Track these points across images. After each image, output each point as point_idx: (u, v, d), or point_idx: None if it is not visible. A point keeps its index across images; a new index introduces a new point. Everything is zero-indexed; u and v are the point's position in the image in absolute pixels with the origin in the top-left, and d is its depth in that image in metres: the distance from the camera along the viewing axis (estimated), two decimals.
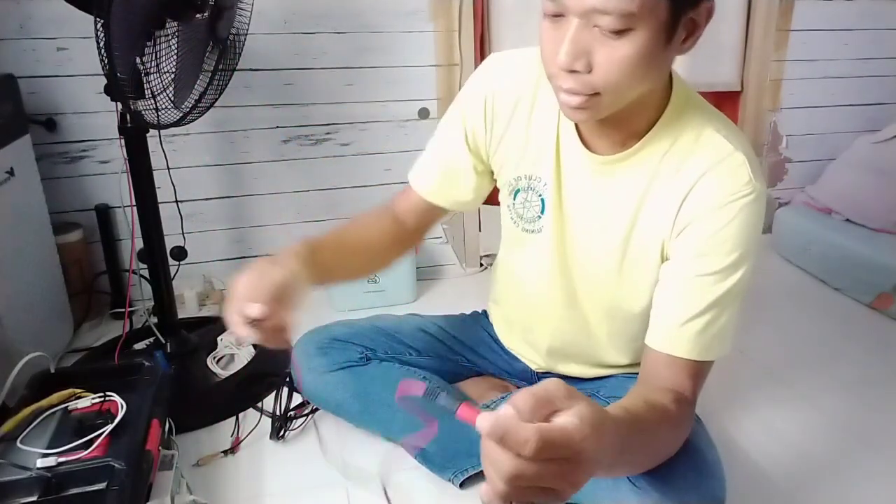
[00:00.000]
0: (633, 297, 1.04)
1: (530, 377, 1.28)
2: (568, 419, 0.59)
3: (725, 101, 2.33)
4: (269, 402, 1.43)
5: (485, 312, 1.38)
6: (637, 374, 1.18)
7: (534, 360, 1.26)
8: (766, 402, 1.49)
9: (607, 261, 1.03)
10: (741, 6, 2.19)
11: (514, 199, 1.10)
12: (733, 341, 0.96)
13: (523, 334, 1.26)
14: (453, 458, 1.20)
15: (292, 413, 1.38)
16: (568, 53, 0.78)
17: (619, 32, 0.76)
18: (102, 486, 0.94)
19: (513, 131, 1.05)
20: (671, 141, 0.93)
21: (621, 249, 1.01)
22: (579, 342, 1.17)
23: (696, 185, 0.91)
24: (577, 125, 0.98)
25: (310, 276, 0.92)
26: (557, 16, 0.79)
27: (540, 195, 1.06)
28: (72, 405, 1.11)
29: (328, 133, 1.99)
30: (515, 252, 1.17)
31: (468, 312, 1.42)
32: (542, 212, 1.07)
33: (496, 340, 1.33)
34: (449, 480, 1.21)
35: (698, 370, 0.93)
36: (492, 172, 1.13)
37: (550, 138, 1.02)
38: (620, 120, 0.91)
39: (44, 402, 1.10)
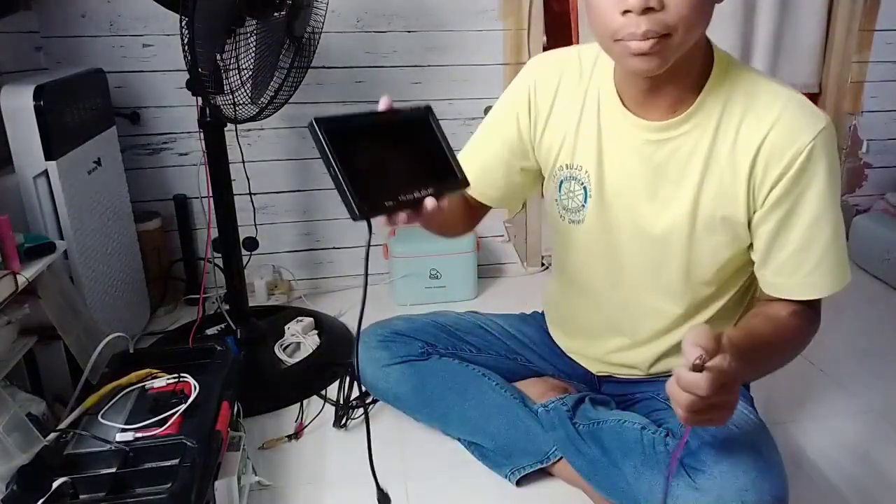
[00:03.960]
0: (709, 262, 1.03)
1: (590, 379, 1.27)
2: (719, 360, 0.74)
3: None
4: (332, 391, 1.47)
5: (543, 313, 1.38)
6: None
7: (592, 361, 1.26)
8: (837, 415, 1.44)
9: (671, 233, 1.01)
10: (822, 4, 2.11)
11: (560, 190, 1.10)
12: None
13: (579, 334, 1.25)
14: (510, 455, 1.21)
15: (354, 402, 1.42)
16: None
17: None
18: (175, 462, 0.98)
19: (554, 121, 1.07)
20: (725, 99, 0.95)
21: (690, 216, 0.99)
22: (637, 333, 1.15)
23: (769, 136, 0.92)
24: (622, 99, 1.00)
25: None
26: None
27: (582, 184, 1.06)
28: (148, 384, 1.16)
29: None
30: (565, 248, 1.17)
31: (528, 312, 1.42)
32: (585, 201, 1.07)
33: (555, 342, 1.33)
34: (506, 477, 1.21)
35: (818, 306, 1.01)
36: (535, 172, 1.15)
37: (592, 121, 1.03)
38: (672, 79, 0.93)
39: (123, 381, 1.15)
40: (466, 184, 0.88)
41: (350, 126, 0.81)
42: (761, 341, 0.91)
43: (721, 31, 2.08)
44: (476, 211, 1.20)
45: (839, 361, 1.64)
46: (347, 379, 1.43)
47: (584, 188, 1.06)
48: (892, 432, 1.38)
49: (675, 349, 1.14)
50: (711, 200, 0.98)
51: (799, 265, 0.96)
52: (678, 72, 0.91)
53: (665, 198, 1.00)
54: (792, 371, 1.60)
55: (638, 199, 1.02)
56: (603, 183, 1.04)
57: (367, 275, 0.82)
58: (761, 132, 0.92)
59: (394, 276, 1.99)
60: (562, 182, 1.09)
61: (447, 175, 0.87)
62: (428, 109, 0.89)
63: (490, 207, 1.20)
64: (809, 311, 0.99)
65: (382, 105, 0.86)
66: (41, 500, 0.90)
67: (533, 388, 1.30)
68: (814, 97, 2.26)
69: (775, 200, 0.94)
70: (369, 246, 0.79)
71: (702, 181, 0.97)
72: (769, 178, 0.93)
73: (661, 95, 0.96)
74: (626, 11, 0.82)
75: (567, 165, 1.08)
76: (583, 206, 1.08)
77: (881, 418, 1.43)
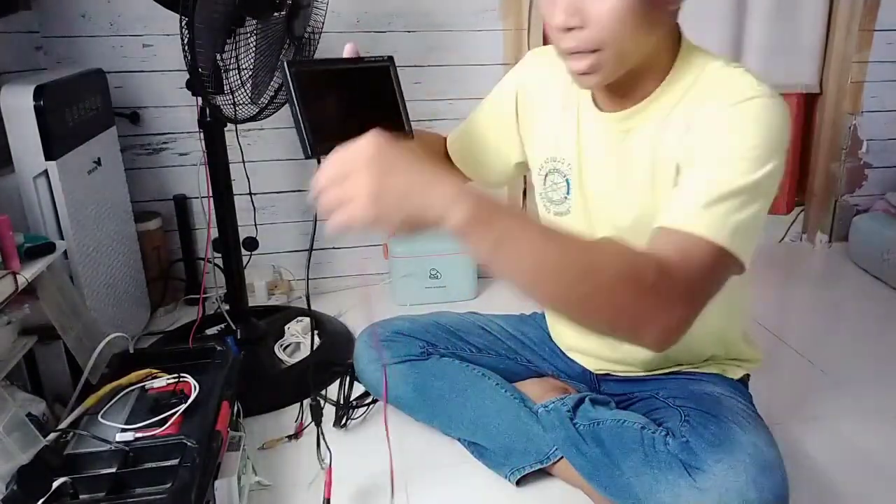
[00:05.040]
0: None
1: (589, 379, 1.27)
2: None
3: (803, 104, 2.25)
4: (332, 391, 1.47)
5: (543, 313, 1.38)
6: (699, 371, 1.16)
7: (589, 359, 1.26)
8: (837, 415, 1.44)
9: (638, 221, 1.01)
10: (822, 5, 2.11)
11: (545, 183, 1.14)
12: (750, 251, 0.84)
13: (575, 330, 1.26)
14: (510, 455, 1.21)
15: (354, 402, 1.42)
16: (561, 11, 0.84)
17: None
18: (175, 462, 0.98)
19: (542, 117, 1.11)
20: (682, 91, 0.94)
21: (651, 205, 0.99)
22: None
23: (703, 106, 0.89)
24: (593, 97, 1.02)
25: None
26: None
27: (565, 176, 1.10)
28: (148, 384, 1.16)
29: None
30: None
31: (528, 313, 1.42)
32: (568, 192, 1.09)
33: (553, 341, 1.33)
34: (506, 478, 1.21)
35: (715, 260, 0.80)
36: (518, 164, 1.21)
37: (572, 116, 1.06)
38: (630, 83, 0.94)
39: (123, 381, 1.16)
40: (411, 137, 0.96)
41: (317, 70, 0.89)
42: (551, 231, 0.74)
43: (714, 32, 2.08)
44: (460, 172, 1.26)
45: (839, 361, 1.64)
46: (348, 379, 1.44)
47: (567, 180, 1.10)
48: (891, 432, 1.38)
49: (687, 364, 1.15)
50: (663, 184, 0.97)
51: (678, 202, 0.85)
52: (637, 74, 0.93)
53: (632, 188, 1.01)
54: (792, 371, 1.62)
55: (611, 191, 1.04)
56: (582, 174, 1.07)
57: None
58: (696, 106, 0.91)
59: (394, 276, 1.99)
60: (547, 174, 1.13)
61: (396, 126, 0.96)
62: (390, 59, 0.96)
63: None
64: (668, 276, 0.76)
65: (348, 51, 0.92)
66: (41, 500, 0.90)
67: (533, 389, 1.30)
68: (814, 97, 2.27)
69: (700, 146, 0.88)
70: None
71: (654, 168, 0.98)
72: (692, 141, 0.89)
73: (624, 94, 0.98)
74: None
75: (552, 158, 1.11)
76: (566, 197, 1.11)
77: (881, 418, 1.43)
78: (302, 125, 0.84)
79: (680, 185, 0.88)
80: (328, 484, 1.10)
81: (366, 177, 0.68)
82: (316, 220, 0.93)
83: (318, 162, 0.87)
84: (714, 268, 0.81)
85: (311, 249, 1.01)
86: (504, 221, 0.70)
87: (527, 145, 1.17)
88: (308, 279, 1.03)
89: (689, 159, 0.89)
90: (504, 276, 0.73)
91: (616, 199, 1.04)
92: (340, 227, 0.69)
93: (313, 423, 1.16)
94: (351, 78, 0.93)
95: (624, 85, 0.95)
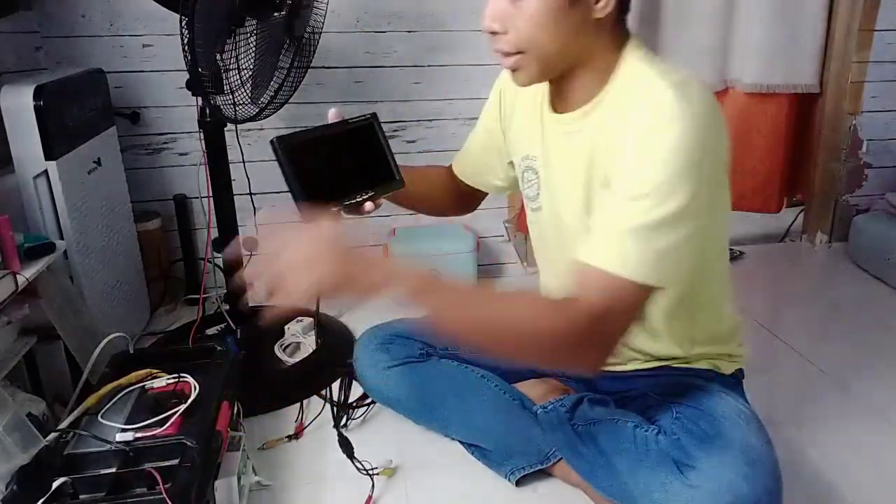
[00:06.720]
0: None
1: (584, 378, 1.26)
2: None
3: (803, 103, 2.25)
4: (333, 391, 1.47)
5: None
6: (691, 366, 1.16)
7: None
8: (837, 415, 1.44)
9: (581, 224, 1.03)
10: (822, 5, 2.11)
11: (523, 180, 1.16)
12: (680, 274, 0.89)
13: None
14: (510, 456, 1.21)
15: (353, 403, 1.41)
16: (487, 17, 0.92)
17: None
18: (175, 462, 0.98)
19: (518, 116, 1.14)
20: (621, 95, 0.94)
21: (586, 209, 1.02)
22: None
23: (624, 123, 0.90)
24: (550, 98, 1.06)
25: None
26: None
27: (536, 172, 1.12)
28: (148, 384, 1.16)
29: (396, 130, 2.02)
30: (533, 237, 1.22)
31: None
32: (539, 189, 1.12)
33: None
34: (506, 478, 1.21)
35: (615, 286, 0.85)
36: (510, 163, 1.22)
37: (538, 116, 1.09)
38: (569, 86, 0.99)
39: (123, 381, 1.15)
40: (402, 184, 1.03)
41: (304, 141, 0.95)
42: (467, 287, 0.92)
43: (712, 31, 2.08)
44: (472, 195, 1.32)
45: (839, 361, 1.64)
46: (348, 380, 1.44)
47: (538, 177, 1.12)
48: (892, 432, 1.38)
49: (647, 339, 1.14)
50: (596, 188, 0.99)
51: (596, 235, 0.89)
52: (574, 77, 0.97)
53: (577, 187, 1.03)
54: (792, 371, 1.62)
55: (567, 189, 1.05)
56: (548, 172, 1.09)
57: None
58: (626, 124, 0.90)
59: None
60: (524, 172, 1.15)
61: (387, 177, 1.02)
62: (373, 116, 1.03)
63: (485, 193, 1.32)
64: (574, 308, 0.86)
65: (332, 116, 1.00)
66: (41, 500, 0.90)
67: (533, 390, 1.30)
68: (814, 97, 2.27)
69: (616, 173, 0.90)
70: None
71: (589, 172, 0.99)
72: (616, 160, 0.91)
73: (566, 96, 1.01)
74: None
75: (526, 156, 1.14)
76: (538, 194, 1.12)
77: (881, 418, 1.43)
78: (297, 195, 0.92)
79: (601, 210, 0.94)
80: None
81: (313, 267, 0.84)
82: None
83: None
84: (629, 302, 0.87)
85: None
86: (436, 292, 0.87)
87: (509, 145, 1.20)
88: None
89: (608, 180, 0.93)
90: (445, 330, 0.95)
91: (572, 198, 1.05)
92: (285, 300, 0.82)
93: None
94: (339, 141, 0.98)
95: (565, 87, 1.00)
